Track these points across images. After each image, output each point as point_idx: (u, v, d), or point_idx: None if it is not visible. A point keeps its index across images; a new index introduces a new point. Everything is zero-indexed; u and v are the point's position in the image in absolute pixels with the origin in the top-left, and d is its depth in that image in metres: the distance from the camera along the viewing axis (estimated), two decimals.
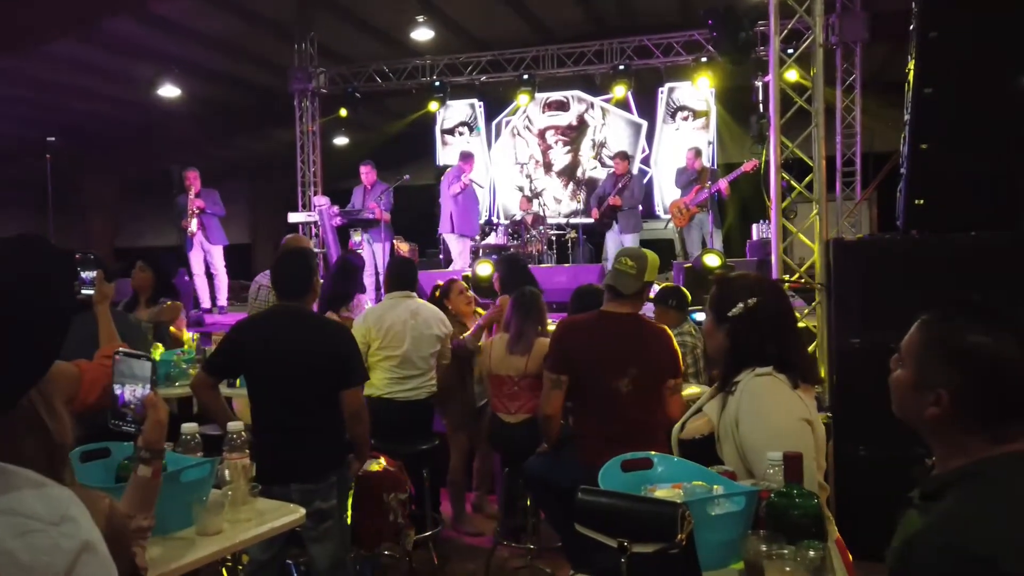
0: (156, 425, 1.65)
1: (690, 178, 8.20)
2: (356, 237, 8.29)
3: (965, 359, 1.24)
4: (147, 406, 1.67)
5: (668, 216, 8.92)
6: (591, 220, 8.82)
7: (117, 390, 1.72)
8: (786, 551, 1.45)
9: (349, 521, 3.07)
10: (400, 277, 4.13)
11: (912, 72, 3.95)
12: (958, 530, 1.16)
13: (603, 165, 11.45)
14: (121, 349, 1.83)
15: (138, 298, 4.57)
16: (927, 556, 1.17)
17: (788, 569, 1.41)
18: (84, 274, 2.61)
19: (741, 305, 1.99)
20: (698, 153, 8.48)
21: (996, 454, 1.22)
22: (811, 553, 1.45)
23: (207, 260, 8.15)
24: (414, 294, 4.11)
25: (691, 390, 3.72)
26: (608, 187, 8.50)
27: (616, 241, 8.35)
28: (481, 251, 8.63)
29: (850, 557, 1.88)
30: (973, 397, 1.23)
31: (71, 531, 0.99)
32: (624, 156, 8.72)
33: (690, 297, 4.46)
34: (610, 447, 2.83)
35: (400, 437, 3.85)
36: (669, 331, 3.23)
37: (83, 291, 2.58)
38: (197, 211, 7.98)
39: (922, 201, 3.93)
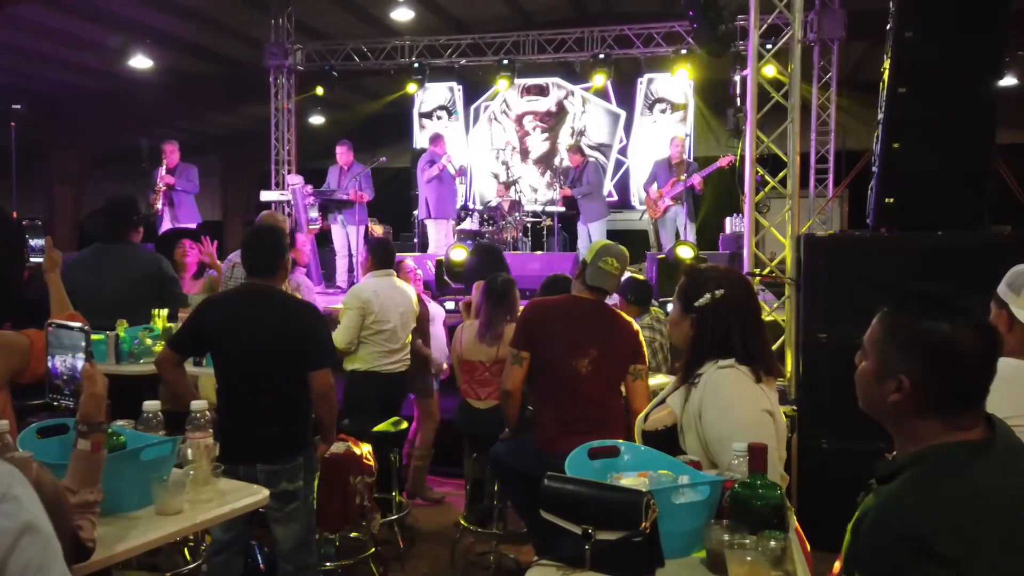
0: (92, 398, 1.59)
1: (671, 170, 8.20)
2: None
3: (923, 345, 1.27)
4: (84, 378, 1.61)
5: (643, 207, 8.95)
6: (563, 209, 8.84)
7: (50, 362, 1.67)
8: (748, 541, 1.47)
9: (315, 503, 3.05)
10: (384, 256, 4.28)
11: (887, 71, 3.99)
12: (899, 510, 1.22)
13: (583, 154, 11.45)
14: (54, 320, 1.77)
15: (181, 275, 4.49)
16: (870, 534, 1.23)
17: (749, 559, 1.43)
18: (33, 241, 2.52)
19: (708, 295, 2.00)
20: (682, 144, 8.53)
21: (946, 441, 1.26)
22: (772, 543, 1.47)
23: None
24: (394, 272, 4.27)
25: (658, 379, 3.74)
26: (568, 180, 8.58)
27: (582, 230, 8.37)
28: (456, 236, 8.59)
29: (808, 547, 1.91)
30: (931, 382, 1.27)
31: (12, 510, 0.97)
32: (576, 149, 8.77)
33: (655, 291, 4.50)
34: (566, 433, 2.86)
35: (385, 410, 3.97)
36: (632, 321, 3.26)
37: (32, 259, 2.50)
38: (164, 187, 7.79)
39: (892, 199, 3.98)
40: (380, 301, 4.04)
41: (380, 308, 4.03)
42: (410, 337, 4.21)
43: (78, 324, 1.71)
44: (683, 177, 8.00)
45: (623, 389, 3.10)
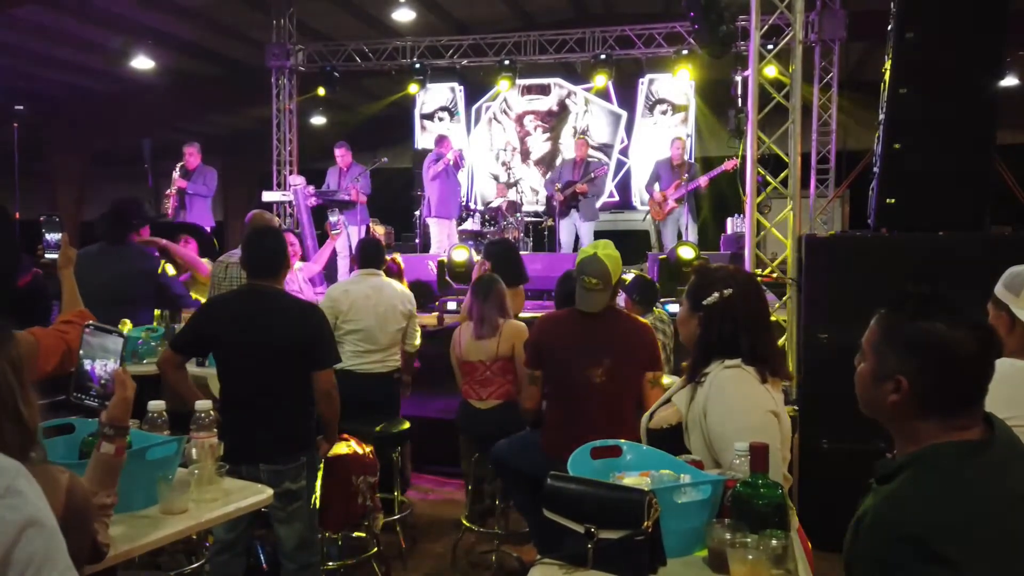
0: (122, 402, 1.62)
1: (673, 171, 8.18)
2: (333, 218, 8.13)
3: (920, 345, 1.28)
4: (116, 382, 1.64)
5: (646, 208, 8.90)
6: (552, 206, 8.75)
7: (87, 365, 1.68)
8: (749, 539, 1.48)
9: (317, 503, 3.06)
10: (368, 256, 4.25)
11: (888, 72, 4.00)
12: (897, 510, 1.23)
13: (588, 146, 11.40)
14: (91, 323, 1.78)
15: (178, 270, 4.54)
16: (870, 534, 1.24)
17: (750, 557, 1.44)
18: (48, 236, 2.47)
19: (716, 295, 2.01)
20: (683, 145, 8.50)
21: (943, 441, 1.27)
22: (773, 542, 1.48)
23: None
24: (380, 272, 4.22)
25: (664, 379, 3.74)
26: (568, 173, 8.42)
27: (579, 228, 8.32)
28: (458, 237, 8.60)
29: (809, 546, 1.92)
30: (929, 383, 1.28)
31: (16, 504, 0.98)
32: (586, 142, 8.73)
33: (658, 290, 4.50)
34: (572, 443, 2.84)
35: (363, 410, 3.89)
36: (649, 325, 3.24)
37: (47, 255, 2.47)
38: (176, 191, 7.79)
39: (893, 200, 3.99)
40: (351, 300, 4.01)
41: (350, 307, 4.00)
42: (400, 338, 4.16)
43: (117, 329, 1.74)
44: (684, 178, 7.99)
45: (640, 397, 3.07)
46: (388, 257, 4.83)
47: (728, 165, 7.73)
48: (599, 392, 2.97)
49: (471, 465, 4.03)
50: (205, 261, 4.81)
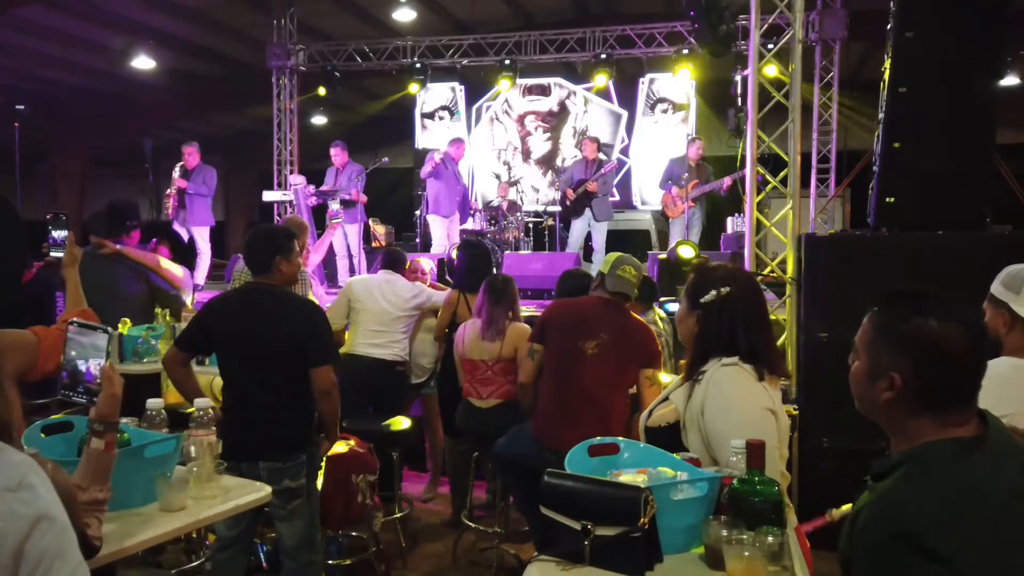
0: (110, 398, 1.61)
1: (691, 170, 8.10)
2: (335, 206, 8.04)
3: (912, 343, 1.29)
4: (102, 378, 1.64)
5: (647, 207, 8.88)
6: (565, 205, 8.69)
7: (82, 364, 1.69)
8: (745, 536, 1.48)
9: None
10: (391, 262, 4.64)
11: (888, 71, 4.00)
12: (892, 507, 1.23)
13: (599, 146, 11.35)
14: (75, 320, 1.77)
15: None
16: (865, 532, 1.24)
17: (747, 554, 1.44)
18: (55, 234, 2.43)
19: (714, 293, 2.01)
20: (702, 146, 8.41)
21: (938, 438, 1.28)
22: (769, 539, 1.48)
23: (191, 239, 7.97)
24: (396, 274, 4.56)
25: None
26: (579, 172, 8.34)
27: (593, 228, 8.27)
28: (458, 235, 8.60)
29: (808, 544, 1.92)
30: (921, 380, 1.28)
31: (28, 498, 0.99)
32: (595, 140, 8.65)
33: (658, 288, 4.54)
34: (563, 425, 2.91)
35: (372, 399, 4.15)
36: (652, 330, 3.30)
37: (52, 253, 2.44)
38: (175, 191, 7.80)
39: (893, 199, 3.99)
40: (365, 285, 4.47)
41: (362, 291, 4.40)
42: (408, 328, 4.43)
43: (100, 325, 1.73)
44: (688, 182, 7.91)
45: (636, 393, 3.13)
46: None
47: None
48: (590, 365, 3.06)
49: (459, 465, 4.05)
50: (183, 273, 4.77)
